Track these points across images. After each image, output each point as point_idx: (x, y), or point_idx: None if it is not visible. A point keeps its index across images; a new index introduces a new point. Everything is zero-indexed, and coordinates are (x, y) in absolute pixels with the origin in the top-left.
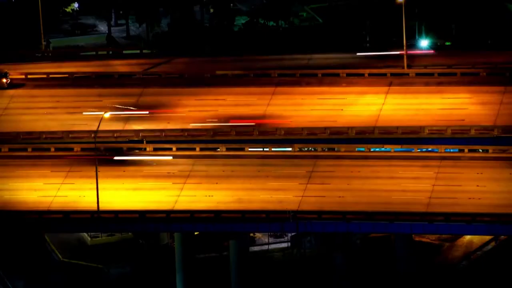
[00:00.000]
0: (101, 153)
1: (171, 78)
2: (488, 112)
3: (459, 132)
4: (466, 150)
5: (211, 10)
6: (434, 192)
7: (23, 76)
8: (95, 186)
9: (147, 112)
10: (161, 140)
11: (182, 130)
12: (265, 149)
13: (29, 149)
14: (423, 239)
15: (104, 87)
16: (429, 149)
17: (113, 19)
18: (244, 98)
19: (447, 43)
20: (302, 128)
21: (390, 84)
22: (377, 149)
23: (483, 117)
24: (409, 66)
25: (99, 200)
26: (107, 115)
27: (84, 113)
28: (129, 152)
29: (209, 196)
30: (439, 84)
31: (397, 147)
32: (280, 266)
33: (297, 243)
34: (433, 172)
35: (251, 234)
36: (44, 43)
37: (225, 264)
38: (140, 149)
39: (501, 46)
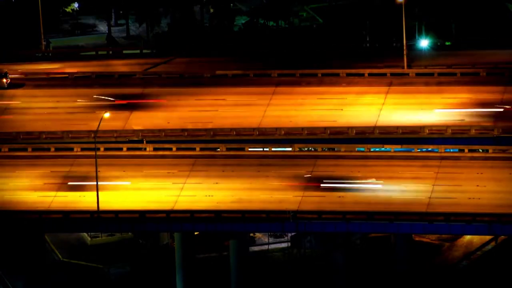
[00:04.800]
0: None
1: (171, 78)
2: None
3: (459, 132)
4: (466, 150)
5: (211, 10)
6: (434, 192)
7: (23, 76)
8: (95, 186)
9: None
10: (161, 140)
11: (182, 130)
12: (265, 149)
13: (29, 149)
14: (423, 239)
15: (104, 87)
16: (429, 149)
17: (113, 19)
18: (244, 98)
19: (447, 43)
20: (302, 128)
21: (390, 84)
22: (377, 149)
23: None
24: (409, 66)
25: (99, 200)
26: (107, 115)
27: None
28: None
29: (209, 196)
30: (439, 84)
31: (397, 147)
32: (280, 266)
33: (297, 243)
34: (433, 172)
35: (251, 234)
36: (44, 43)
37: (225, 264)
38: (140, 149)
39: (501, 46)
